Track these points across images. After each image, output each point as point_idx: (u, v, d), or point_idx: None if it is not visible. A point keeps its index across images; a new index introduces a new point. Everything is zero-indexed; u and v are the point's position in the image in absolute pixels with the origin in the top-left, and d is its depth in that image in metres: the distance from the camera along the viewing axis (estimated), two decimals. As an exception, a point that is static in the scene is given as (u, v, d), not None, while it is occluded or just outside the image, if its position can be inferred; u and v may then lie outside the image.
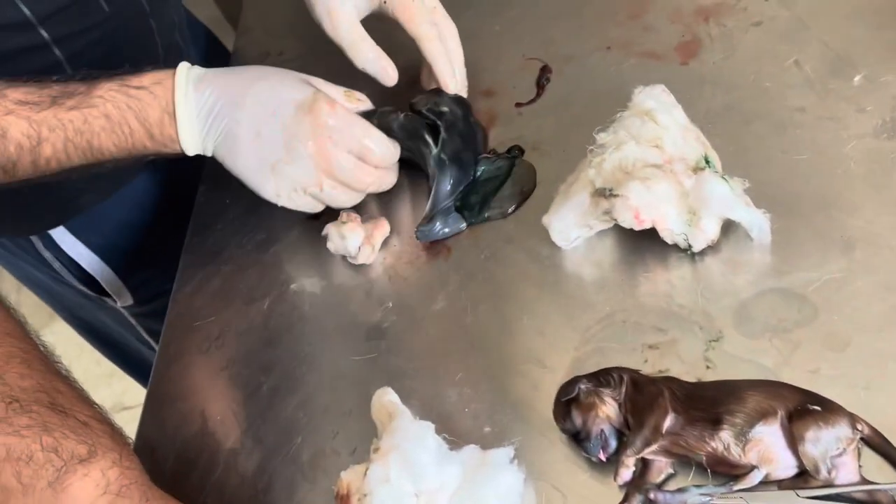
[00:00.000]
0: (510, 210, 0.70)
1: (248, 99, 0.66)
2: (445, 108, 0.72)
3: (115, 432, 0.49)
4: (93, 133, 0.65)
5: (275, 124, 0.66)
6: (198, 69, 0.68)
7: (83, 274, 0.92)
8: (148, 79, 0.66)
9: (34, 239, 0.88)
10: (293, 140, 0.66)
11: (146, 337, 1.02)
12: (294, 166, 0.67)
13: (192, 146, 0.68)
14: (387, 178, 0.71)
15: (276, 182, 0.68)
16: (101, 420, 0.49)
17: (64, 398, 0.48)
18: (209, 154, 0.69)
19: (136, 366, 1.10)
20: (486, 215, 0.70)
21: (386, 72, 0.73)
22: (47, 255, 0.89)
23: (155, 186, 0.86)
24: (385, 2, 0.72)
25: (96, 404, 0.50)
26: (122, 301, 0.96)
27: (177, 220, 0.87)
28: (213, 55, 1.03)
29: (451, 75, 0.74)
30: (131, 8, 0.78)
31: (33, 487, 0.43)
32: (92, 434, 0.47)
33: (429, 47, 0.73)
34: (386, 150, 0.69)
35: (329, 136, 0.66)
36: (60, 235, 0.88)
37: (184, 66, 0.67)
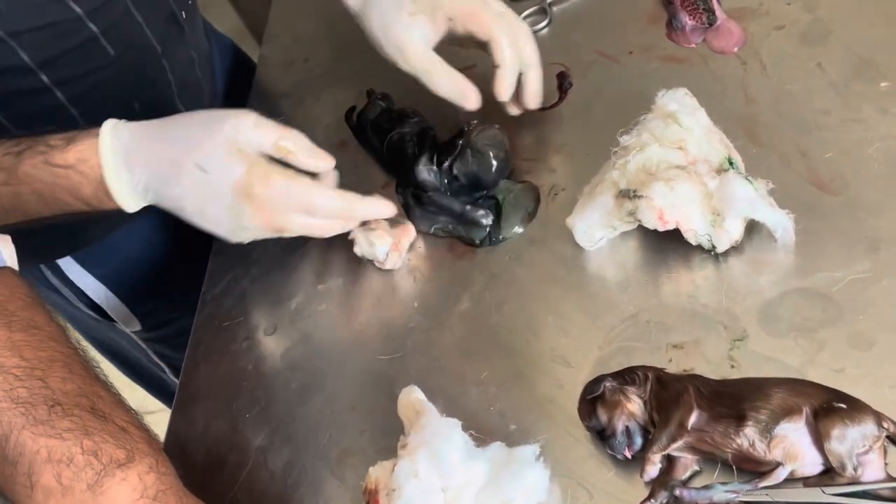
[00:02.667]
0: (521, 231, 0.71)
1: (183, 179, 0.63)
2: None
3: (152, 438, 0.50)
4: (29, 205, 0.63)
5: (217, 207, 0.63)
6: (121, 133, 0.63)
7: (90, 301, 0.92)
8: (72, 155, 0.62)
9: (42, 266, 0.89)
10: (240, 218, 0.64)
11: (157, 360, 1.03)
12: (249, 231, 0.65)
13: (134, 208, 0.65)
14: (350, 224, 0.68)
15: (240, 236, 0.66)
16: (139, 426, 0.50)
17: (104, 403, 0.49)
18: (155, 204, 0.66)
19: (151, 382, 1.11)
20: (501, 237, 0.71)
21: (465, 94, 0.69)
22: (55, 281, 0.89)
23: (165, 219, 0.85)
24: (451, 18, 0.69)
25: (133, 409, 0.52)
26: (131, 327, 0.96)
27: (185, 253, 0.87)
28: (238, 68, 1.03)
29: (508, 86, 0.70)
30: (139, 50, 0.76)
31: (73, 489, 0.44)
32: (130, 439, 0.48)
33: (497, 50, 0.68)
34: (335, 202, 0.65)
35: (271, 210, 0.63)
36: (67, 265, 0.88)
37: (106, 137, 0.63)
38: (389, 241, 0.70)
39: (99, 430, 0.47)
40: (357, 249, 0.72)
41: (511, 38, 0.69)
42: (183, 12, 0.82)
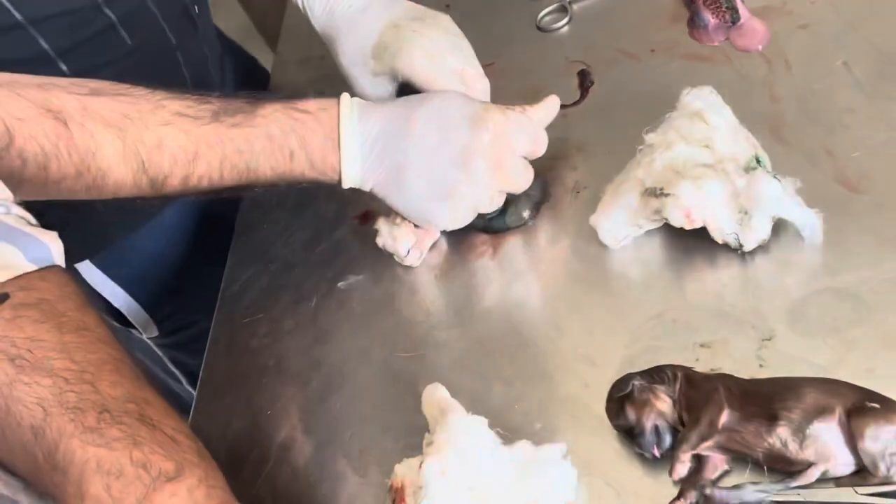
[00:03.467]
0: (528, 218, 0.71)
1: (416, 125, 0.64)
2: None
3: (201, 447, 0.48)
4: (252, 153, 0.63)
5: (450, 146, 0.64)
6: (358, 100, 0.67)
7: (108, 306, 0.91)
8: (313, 105, 0.65)
9: None
10: (474, 157, 0.64)
11: (172, 368, 1.02)
12: (474, 186, 0.65)
13: (351, 178, 0.66)
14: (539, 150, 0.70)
15: (452, 206, 0.66)
16: (188, 435, 0.48)
17: (153, 410, 0.47)
18: (366, 189, 0.68)
19: (165, 395, 1.10)
20: (506, 225, 0.71)
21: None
22: None
23: (185, 220, 0.84)
24: (410, 81, 0.71)
25: (181, 416, 0.51)
26: (149, 333, 0.96)
27: (206, 253, 0.87)
28: (247, 71, 1.03)
29: None
30: (156, 41, 0.77)
31: (122, 502, 0.44)
32: (179, 450, 0.46)
33: None
34: (546, 114, 0.69)
35: (507, 143, 0.65)
36: (87, 270, 0.87)
37: (346, 96, 0.67)
38: (413, 238, 0.70)
39: (148, 439, 0.45)
40: (379, 241, 0.72)
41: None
42: (196, 6, 0.83)
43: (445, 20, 0.73)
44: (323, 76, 0.95)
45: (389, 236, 0.71)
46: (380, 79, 0.73)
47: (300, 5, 0.77)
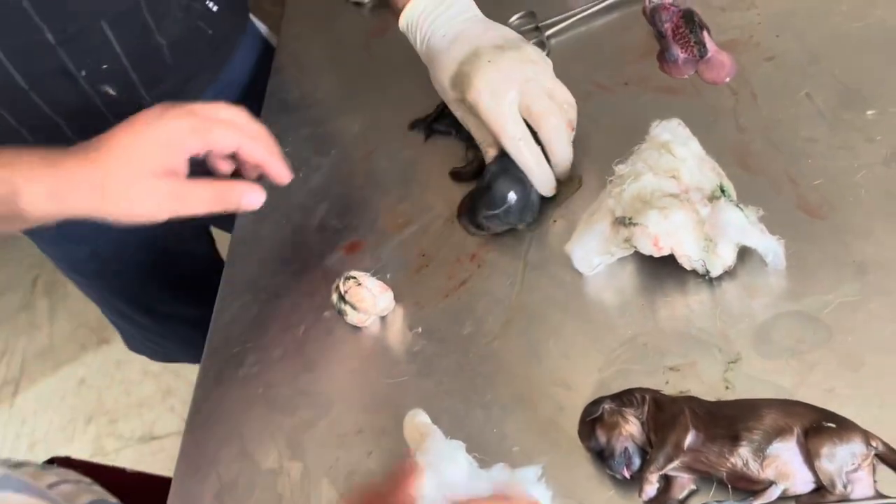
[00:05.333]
0: (530, 221, 0.73)
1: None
2: None
3: None
4: None
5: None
6: None
7: None
8: None
9: None
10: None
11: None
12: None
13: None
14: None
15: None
16: None
17: None
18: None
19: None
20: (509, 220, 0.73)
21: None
22: None
23: None
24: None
25: None
26: None
27: None
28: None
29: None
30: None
31: None
32: None
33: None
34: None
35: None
36: None
37: None
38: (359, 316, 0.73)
39: None
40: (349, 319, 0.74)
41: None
42: None
43: (529, 49, 0.74)
44: (313, 109, 0.98)
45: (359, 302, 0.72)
46: (460, 105, 0.75)
47: (405, 32, 0.79)
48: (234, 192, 0.65)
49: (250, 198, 0.66)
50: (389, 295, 0.73)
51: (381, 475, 0.63)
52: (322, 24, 1.08)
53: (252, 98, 0.99)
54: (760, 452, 0.51)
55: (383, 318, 0.74)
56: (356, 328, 0.74)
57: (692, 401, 0.55)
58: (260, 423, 0.72)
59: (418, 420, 0.61)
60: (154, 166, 0.62)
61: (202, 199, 0.64)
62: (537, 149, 0.72)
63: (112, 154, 0.62)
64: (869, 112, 0.70)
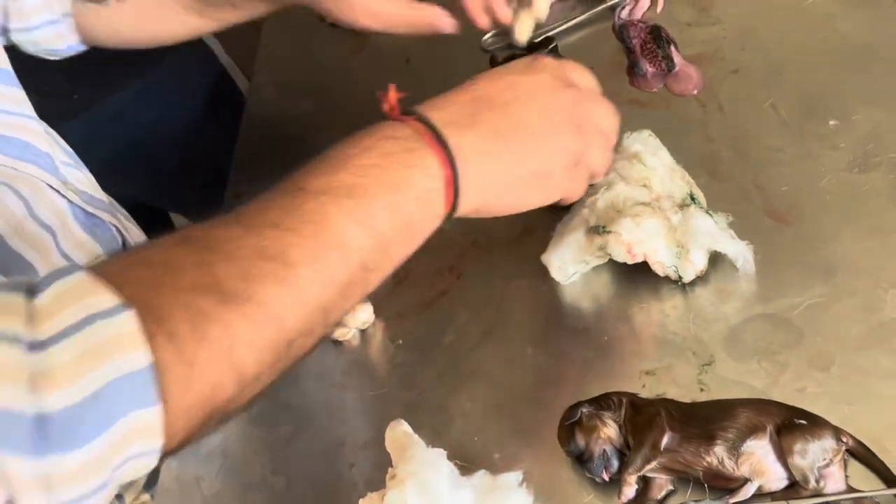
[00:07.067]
0: None
1: None
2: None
3: None
4: None
5: None
6: None
7: None
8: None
9: None
10: None
11: None
12: None
13: None
14: None
15: None
16: None
17: None
18: None
19: None
20: None
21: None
22: None
23: None
24: None
25: None
26: None
27: None
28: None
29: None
30: None
31: None
32: None
33: None
34: None
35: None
36: None
37: None
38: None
39: None
40: None
41: None
42: None
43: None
44: (292, 122, 0.99)
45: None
46: None
47: None
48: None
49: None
50: (369, 308, 0.74)
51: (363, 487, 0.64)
52: (300, 44, 1.09)
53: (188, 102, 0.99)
54: (735, 451, 0.52)
55: (363, 331, 0.75)
56: (337, 341, 0.75)
57: (668, 403, 0.57)
58: (242, 438, 0.72)
59: (400, 430, 0.61)
60: None
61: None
62: None
63: None
64: (831, 121, 0.72)
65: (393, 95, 0.50)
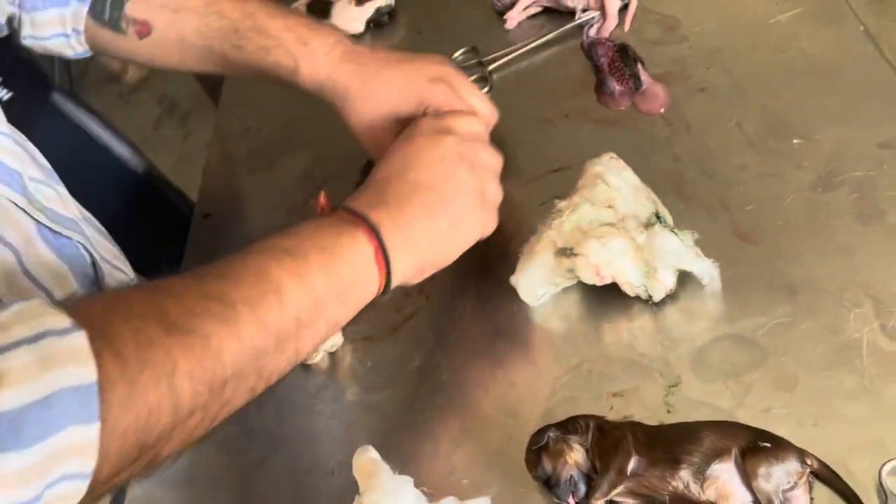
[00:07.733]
0: None
1: None
2: None
3: None
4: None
5: None
6: None
7: None
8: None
9: None
10: None
11: None
12: None
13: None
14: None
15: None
16: None
17: None
18: None
19: None
20: None
21: None
22: None
23: None
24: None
25: None
26: None
27: None
28: None
29: None
30: None
31: None
32: None
33: None
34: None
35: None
36: None
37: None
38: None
39: None
40: None
41: None
42: None
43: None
44: (261, 147, 0.98)
45: None
46: None
47: None
48: None
49: None
50: (337, 331, 0.73)
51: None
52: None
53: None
54: (700, 474, 0.52)
55: (332, 354, 0.74)
56: (305, 365, 0.74)
57: (634, 426, 0.56)
58: (209, 465, 0.71)
59: (367, 457, 0.60)
60: None
61: None
62: None
63: None
64: (795, 140, 0.73)
65: (324, 200, 0.60)
